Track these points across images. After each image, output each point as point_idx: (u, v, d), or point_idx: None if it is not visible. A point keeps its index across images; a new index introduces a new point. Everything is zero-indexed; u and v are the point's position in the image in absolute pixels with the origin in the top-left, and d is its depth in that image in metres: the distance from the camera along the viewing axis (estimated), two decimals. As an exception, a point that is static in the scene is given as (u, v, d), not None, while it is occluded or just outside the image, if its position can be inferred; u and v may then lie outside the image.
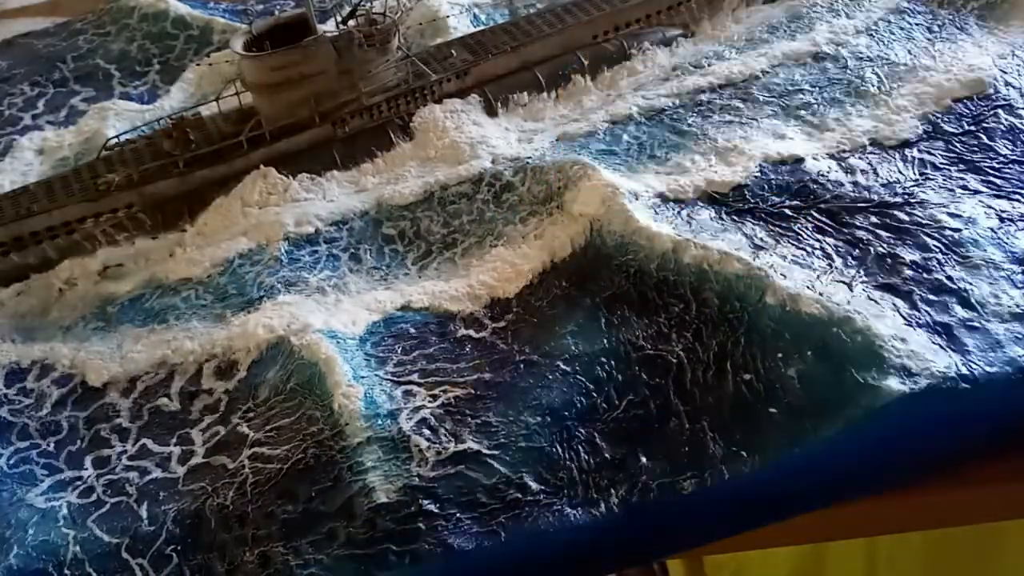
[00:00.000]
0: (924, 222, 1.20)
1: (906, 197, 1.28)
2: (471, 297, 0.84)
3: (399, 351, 0.78)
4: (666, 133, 1.28)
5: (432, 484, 0.64)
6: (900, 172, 1.35)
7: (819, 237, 0.96)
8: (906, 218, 1.15)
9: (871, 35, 1.71)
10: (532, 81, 1.19)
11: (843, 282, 0.76)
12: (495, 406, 0.69)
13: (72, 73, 1.38)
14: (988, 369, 0.64)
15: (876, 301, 0.73)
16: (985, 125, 1.45)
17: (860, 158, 1.37)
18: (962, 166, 1.35)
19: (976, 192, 1.28)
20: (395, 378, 0.75)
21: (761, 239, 0.93)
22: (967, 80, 1.55)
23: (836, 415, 0.64)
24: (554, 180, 0.96)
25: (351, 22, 1.12)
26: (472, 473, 0.65)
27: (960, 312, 0.73)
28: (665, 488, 0.63)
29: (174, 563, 0.64)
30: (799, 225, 1.04)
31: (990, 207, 1.22)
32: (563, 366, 0.72)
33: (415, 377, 0.74)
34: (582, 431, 0.66)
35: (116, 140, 1.10)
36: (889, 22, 1.75)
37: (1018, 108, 1.45)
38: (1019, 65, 1.49)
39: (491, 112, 1.17)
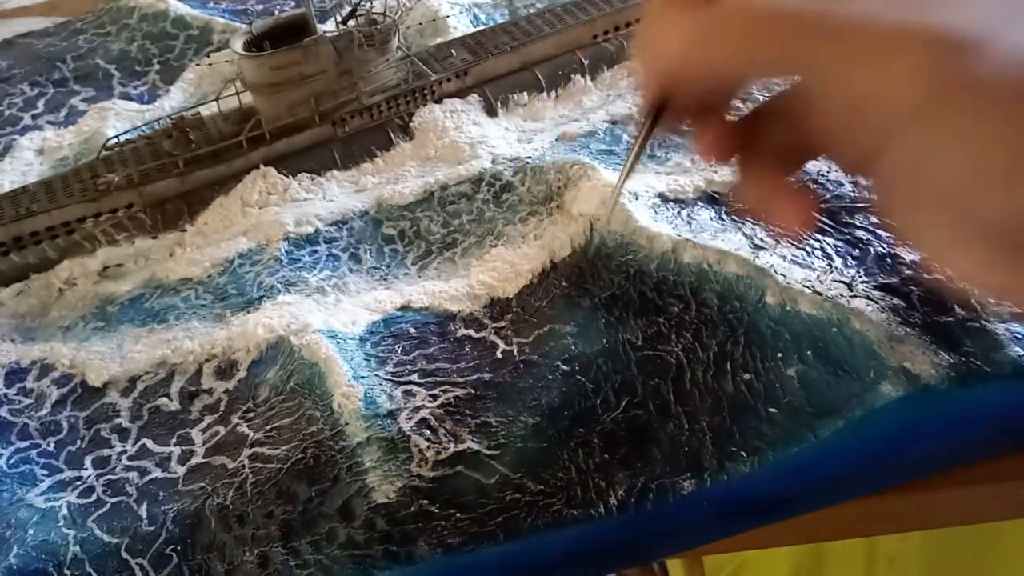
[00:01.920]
0: (924, 222, 1.19)
1: (906, 197, 1.27)
2: (471, 297, 0.84)
3: (399, 351, 0.78)
4: (666, 133, 1.28)
5: (432, 484, 0.64)
6: (900, 172, 1.34)
7: (819, 237, 0.96)
8: (906, 218, 1.15)
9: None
10: (532, 81, 1.19)
11: (843, 282, 0.76)
12: (495, 406, 0.69)
13: (72, 73, 1.38)
14: (987, 369, 0.64)
15: (876, 301, 0.73)
16: (985, 125, 1.44)
17: (860, 158, 1.36)
18: (962, 166, 1.34)
19: (976, 192, 1.27)
20: (395, 378, 0.75)
21: (761, 239, 0.92)
22: (968, 80, 1.54)
23: (836, 415, 0.64)
24: (554, 180, 0.96)
25: (351, 22, 1.12)
26: (472, 473, 0.65)
27: (960, 312, 0.73)
28: (665, 488, 0.62)
29: (174, 563, 0.64)
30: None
31: (990, 207, 1.22)
32: (563, 366, 0.71)
33: (415, 377, 0.74)
34: (581, 431, 0.66)
35: (116, 140, 1.10)
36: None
37: (1018, 108, 1.44)
38: (1019, 65, 1.49)
39: (491, 112, 1.16)
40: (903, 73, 0.35)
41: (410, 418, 0.67)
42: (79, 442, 0.75)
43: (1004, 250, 0.48)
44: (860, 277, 0.72)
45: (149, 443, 0.73)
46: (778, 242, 0.72)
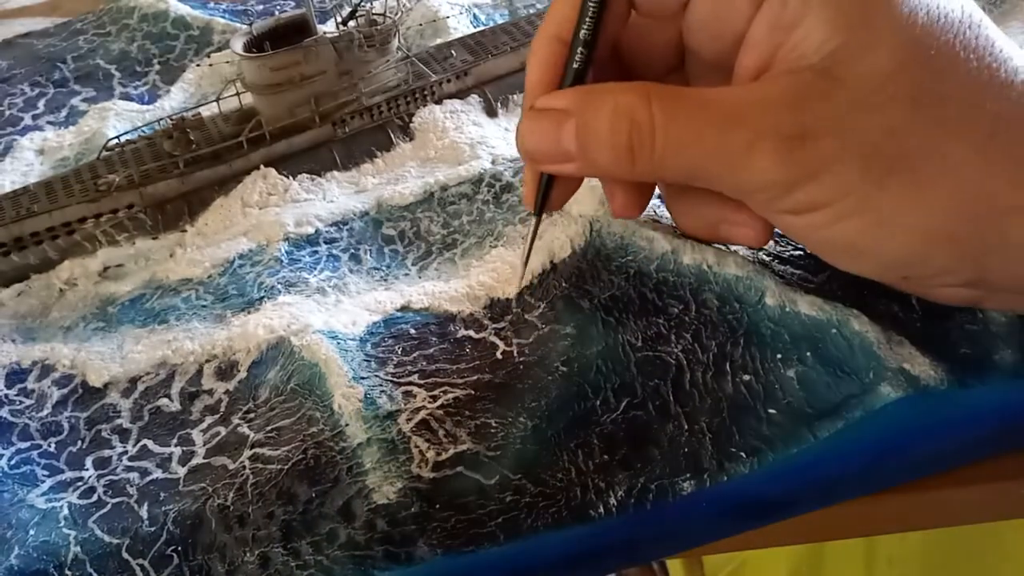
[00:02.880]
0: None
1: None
2: (471, 298, 0.84)
3: (399, 352, 0.78)
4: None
5: (432, 485, 0.64)
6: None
7: (819, 237, 0.97)
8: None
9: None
10: (532, 81, 1.19)
11: (842, 282, 0.76)
12: (494, 407, 0.69)
13: (72, 73, 1.38)
14: (988, 369, 0.64)
15: (876, 301, 0.73)
16: (985, 125, 1.44)
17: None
18: (962, 166, 1.35)
19: (976, 192, 1.28)
20: (395, 379, 0.75)
21: (761, 239, 0.93)
22: (967, 80, 1.54)
23: (835, 416, 0.64)
24: (554, 180, 0.96)
25: (351, 23, 1.12)
26: (471, 474, 0.65)
27: (959, 312, 0.73)
28: (664, 489, 0.62)
29: (175, 563, 0.64)
30: (799, 225, 1.05)
31: (990, 207, 1.22)
32: (562, 367, 0.71)
33: (415, 378, 0.74)
34: (581, 432, 0.66)
35: (116, 140, 1.10)
36: (889, 21, 1.74)
37: (1018, 108, 1.45)
38: (1019, 65, 1.49)
39: (491, 112, 1.16)
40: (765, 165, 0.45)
41: (410, 419, 0.68)
42: (80, 443, 0.75)
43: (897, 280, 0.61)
44: (858, 277, 0.72)
45: (150, 444, 0.73)
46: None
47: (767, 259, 0.76)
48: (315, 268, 0.92)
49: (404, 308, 0.84)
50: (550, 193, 0.59)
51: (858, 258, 0.52)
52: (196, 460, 0.71)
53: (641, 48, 0.56)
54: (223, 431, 0.74)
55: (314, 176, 1.06)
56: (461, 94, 1.16)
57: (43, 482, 0.71)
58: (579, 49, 0.51)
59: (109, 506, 0.68)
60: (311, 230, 0.98)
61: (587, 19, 0.53)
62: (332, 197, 1.03)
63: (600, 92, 0.47)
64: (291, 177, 1.05)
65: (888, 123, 0.42)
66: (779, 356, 0.67)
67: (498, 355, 0.74)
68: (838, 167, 0.43)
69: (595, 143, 0.47)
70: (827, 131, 0.42)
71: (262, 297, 0.88)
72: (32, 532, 0.66)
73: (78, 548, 0.65)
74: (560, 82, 0.53)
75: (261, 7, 1.51)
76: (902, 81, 0.42)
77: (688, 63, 0.57)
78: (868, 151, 0.42)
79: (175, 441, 0.74)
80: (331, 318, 0.82)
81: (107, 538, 0.65)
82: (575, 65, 0.51)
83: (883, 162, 0.43)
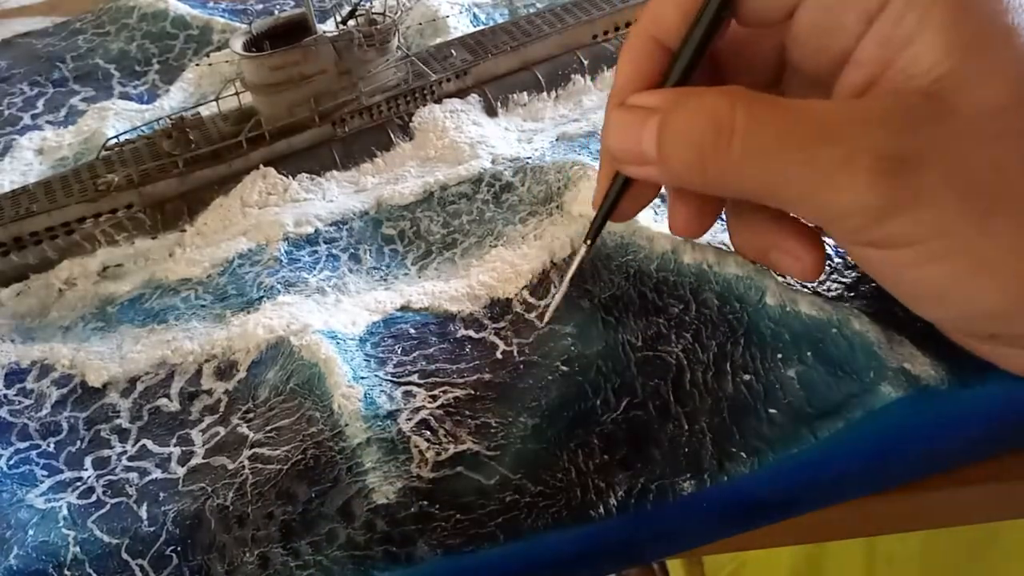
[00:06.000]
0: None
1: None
2: (471, 297, 0.83)
3: (399, 351, 0.78)
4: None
5: (432, 485, 0.64)
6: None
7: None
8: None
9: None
10: (532, 81, 1.19)
11: (843, 282, 0.76)
12: (495, 407, 0.69)
13: (71, 73, 1.38)
14: (987, 369, 0.64)
15: (876, 301, 0.73)
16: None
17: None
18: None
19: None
20: (395, 379, 0.74)
21: (761, 239, 0.93)
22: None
23: (836, 416, 0.64)
24: (554, 180, 0.96)
25: (351, 22, 1.12)
26: (472, 474, 0.65)
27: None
28: (664, 489, 0.62)
29: (174, 564, 0.64)
30: (799, 225, 1.05)
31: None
32: (562, 367, 0.71)
33: (415, 378, 0.74)
34: (581, 432, 0.66)
35: (115, 140, 1.10)
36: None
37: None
38: (1019, 64, 1.49)
39: (491, 112, 1.16)
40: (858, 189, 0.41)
41: (410, 419, 0.67)
42: (79, 443, 0.75)
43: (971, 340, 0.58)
44: (860, 277, 0.72)
45: (149, 444, 0.73)
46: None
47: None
48: (315, 268, 0.92)
49: (404, 308, 0.84)
50: (619, 200, 0.57)
51: (943, 305, 0.48)
52: (195, 460, 0.71)
53: (740, 59, 0.54)
54: (222, 431, 0.74)
55: (314, 176, 1.06)
56: (461, 94, 1.16)
57: (42, 482, 0.71)
58: (688, 52, 0.49)
59: (108, 506, 0.68)
60: (311, 230, 0.98)
61: (704, 24, 0.51)
62: (332, 197, 1.03)
63: (690, 93, 0.45)
64: (291, 177, 1.05)
65: (996, 158, 0.39)
66: (779, 356, 0.67)
67: (498, 355, 0.74)
68: (937, 199, 0.39)
69: (671, 140, 0.45)
70: (930, 158, 0.39)
71: (261, 297, 0.88)
72: (31, 532, 0.66)
73: (77, 548, 0.64)
74: (652, 82, 0.51)
75: (261, 6, 1.51)
76: (1016, 116, 0.39)
77: (787, 78, 0.55)
78: (971, 186, 0.39)
79: (174, 441, 0.74)
80: (331, 318, 0.82)
81: (106, 538, 0.65)
82: (681, 67, 0.50)
83: (986, 200, 0.39)
